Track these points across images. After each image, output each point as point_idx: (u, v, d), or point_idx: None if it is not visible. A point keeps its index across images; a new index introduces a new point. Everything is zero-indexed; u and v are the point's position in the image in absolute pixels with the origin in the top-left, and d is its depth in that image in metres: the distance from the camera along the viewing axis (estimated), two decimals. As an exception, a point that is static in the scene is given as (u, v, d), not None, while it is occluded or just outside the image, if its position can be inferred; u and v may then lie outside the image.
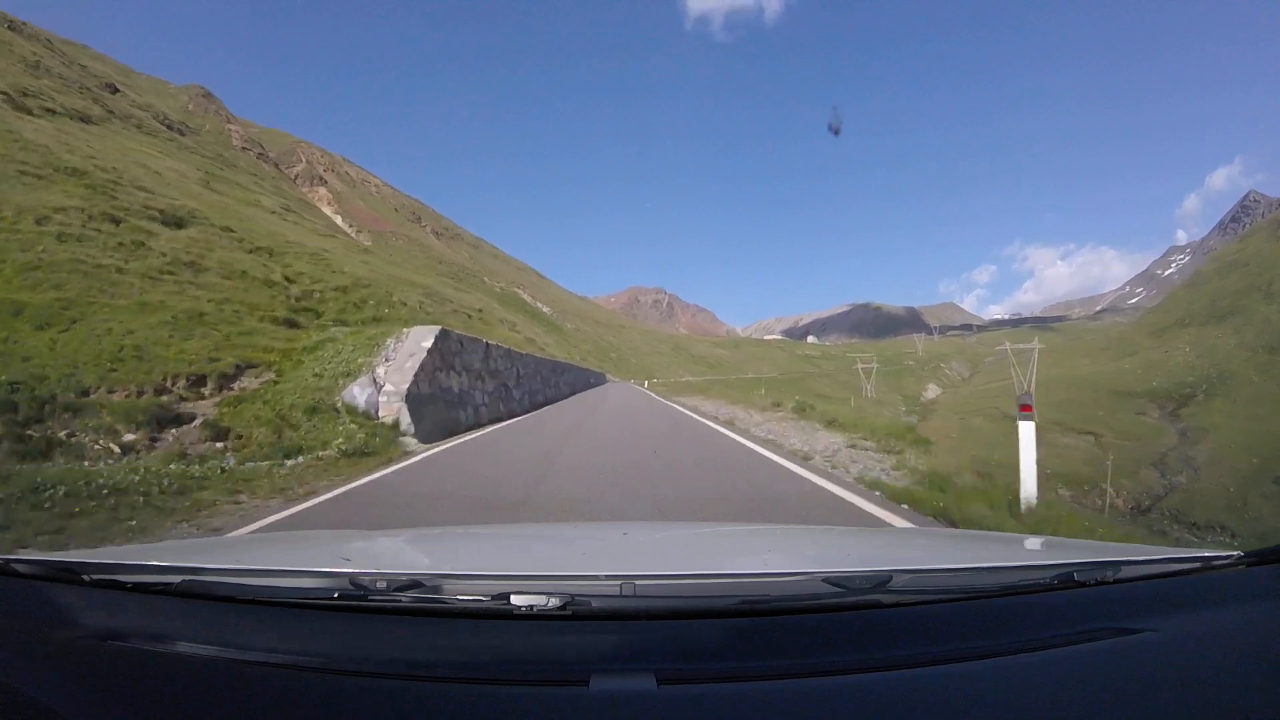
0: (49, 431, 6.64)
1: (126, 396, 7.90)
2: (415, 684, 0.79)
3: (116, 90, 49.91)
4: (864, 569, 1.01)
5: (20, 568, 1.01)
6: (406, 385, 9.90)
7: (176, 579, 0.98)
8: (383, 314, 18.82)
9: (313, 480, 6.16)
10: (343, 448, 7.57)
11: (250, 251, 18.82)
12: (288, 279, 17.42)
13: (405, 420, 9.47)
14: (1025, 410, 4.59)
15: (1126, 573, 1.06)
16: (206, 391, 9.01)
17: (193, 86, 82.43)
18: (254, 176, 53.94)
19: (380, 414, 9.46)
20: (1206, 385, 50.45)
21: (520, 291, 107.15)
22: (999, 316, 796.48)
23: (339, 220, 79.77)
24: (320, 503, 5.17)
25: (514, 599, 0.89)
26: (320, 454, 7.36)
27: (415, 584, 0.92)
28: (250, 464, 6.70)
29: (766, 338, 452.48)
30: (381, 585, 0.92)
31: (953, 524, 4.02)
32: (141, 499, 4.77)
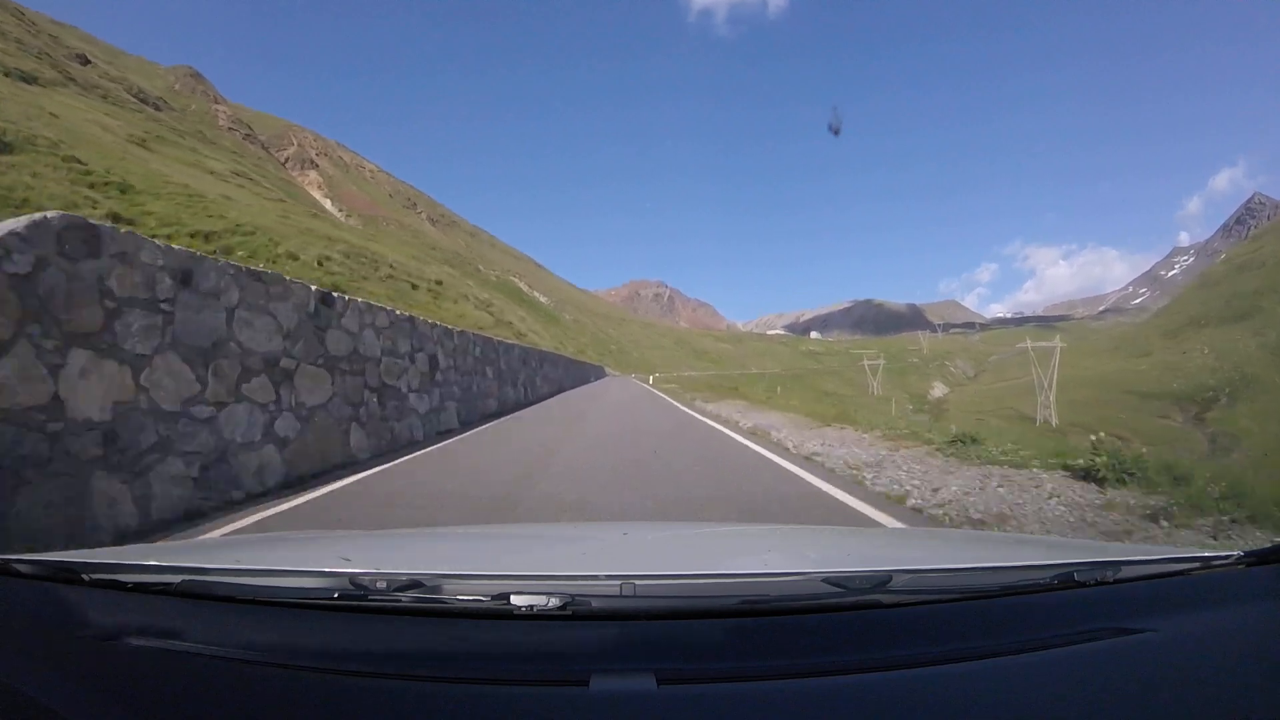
0: None
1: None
2: (415, 684, 0.80)
3: (89, 63, 47.54)
4: (864, 569, 1.01)
5: (20, 568, 1.01)
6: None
7: (177, 579, 0.99)
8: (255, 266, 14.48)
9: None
10: None
11: (92, 186, 16.05)
12: (117, 216, 14.05)
13: None
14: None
15: (1126, 573, 1.06)
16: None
17: (181, 67, 79.97)
18: (234, 154, 51.42)
19: None
20: (1229, 388, 48.55)
21: (517, 280, 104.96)
22: (1001, 315, 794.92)
23: (328, 204, 77.43)
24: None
25: (514, 599, 0.89)
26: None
27: (415, 584, 0.92)
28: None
29: (769, 333, 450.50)
30: (381, 585, 0.92)
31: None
32: None
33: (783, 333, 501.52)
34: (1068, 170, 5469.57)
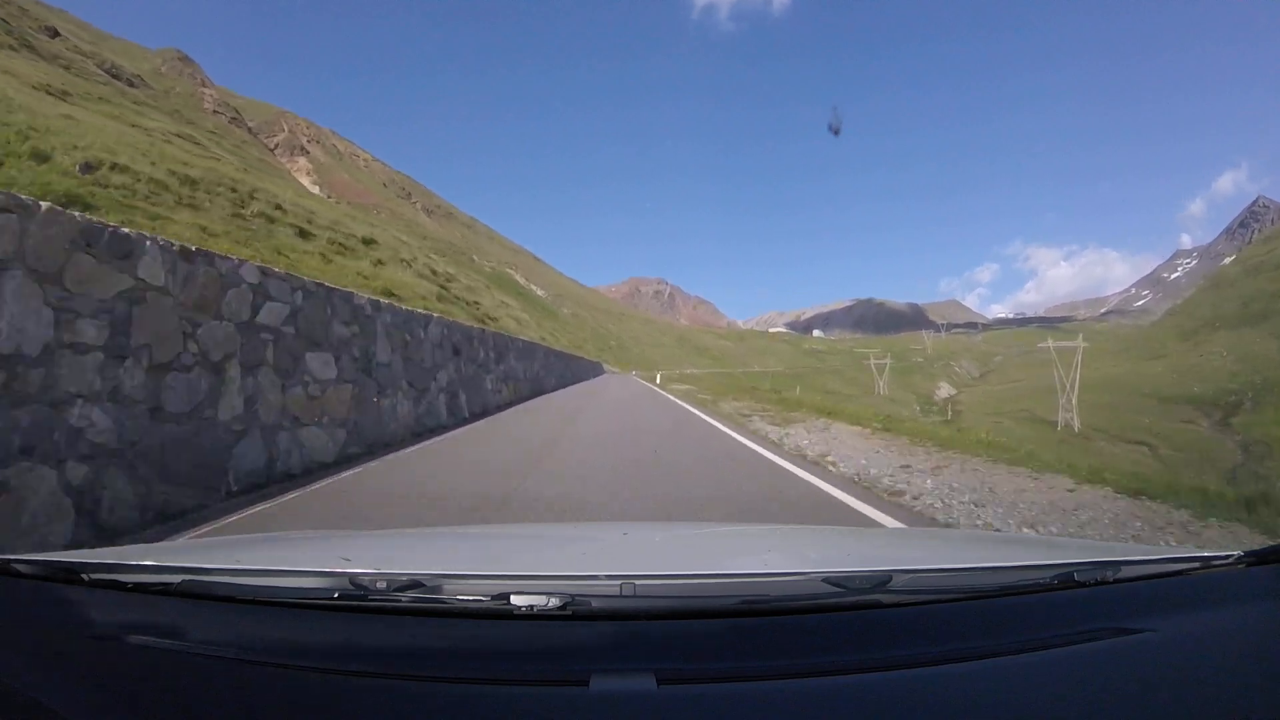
0: None
1: None
2: (415, 684, 0.80)
3: (58, 35, 45.21)
4: (864, 569, 1.01)
5: (20, 568, 1.02)
6: None
7: (177, 579, 0.99)
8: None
9: None
10: None
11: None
12: None
13: None
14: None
15: (1126, 573, 1.06)
16: None
17: (169, 50, 77.60)
18: (214, 135, 49.20)
19: None
20: (1253, 392, 46.58)
21: (513, 273, 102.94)
22: (1003, 315, 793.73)
23: (315, 190, 75.15)
24: None
25: (514, 599, 0.89)
26: None
27: (415, 584, 0.92)
28: None
29: (771, 330, 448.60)
30: (381, 585, 0.92)
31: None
32: None
33: (784, 331, 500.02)
34: (1069, 170, 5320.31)
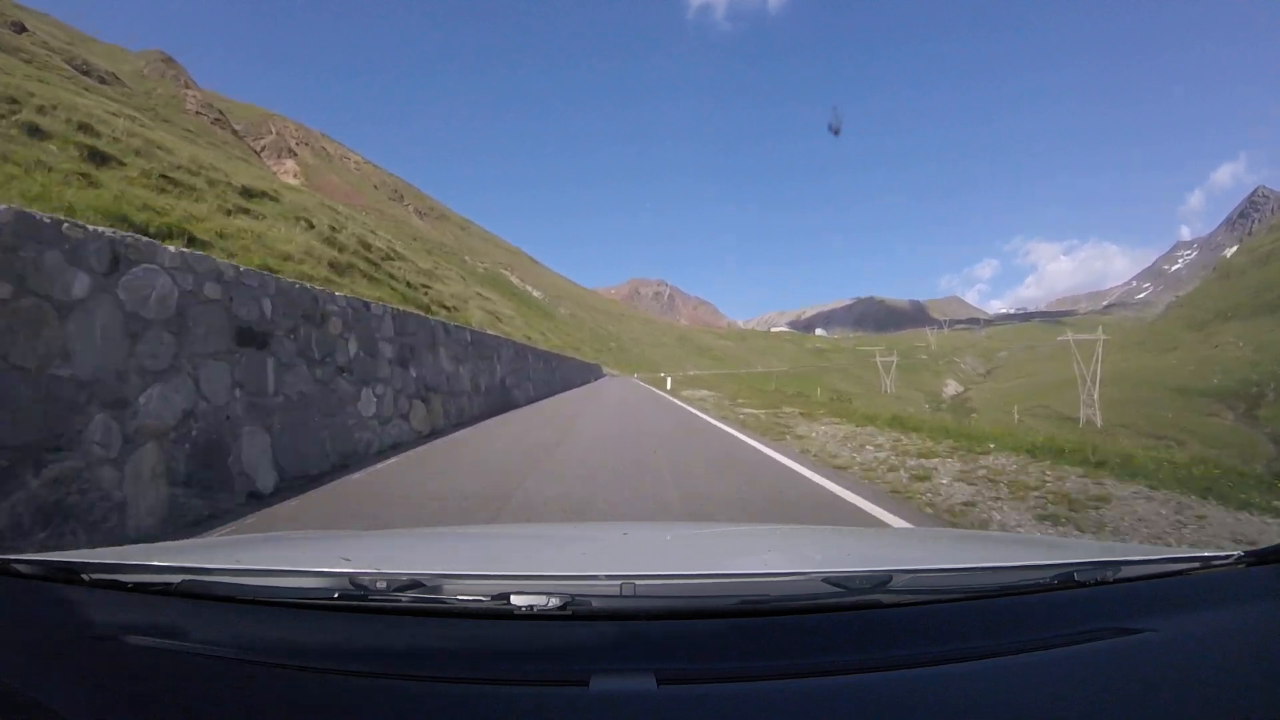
0: None
1: None
2: (415, 684, 0.81)
3: (25, 30, 43.57)
4: (864, 569, 1.02)
5: (20, 568, 1.02)
6: None
7: (177, 579, 0.99)
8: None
9: None
10: None
11: None
12: None
13: None
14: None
15: (1126, 573, 1.07)
16: None
17: (151, 51, 75.93)
18: (189, 133, 47.50)
19: None
20: (1275, 383, 44.81)
21: (507, 273, 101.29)
22: (1004, 311, 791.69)
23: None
24: None
25: (514, 599, 0.90)
26: None
27: (415, 584, 0.93)
28: None
29: (773, 330, 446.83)
30: (381, 585, 0.93)
31: None
32: None
33: (787, 330, 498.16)
34: (1068, 165, 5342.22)
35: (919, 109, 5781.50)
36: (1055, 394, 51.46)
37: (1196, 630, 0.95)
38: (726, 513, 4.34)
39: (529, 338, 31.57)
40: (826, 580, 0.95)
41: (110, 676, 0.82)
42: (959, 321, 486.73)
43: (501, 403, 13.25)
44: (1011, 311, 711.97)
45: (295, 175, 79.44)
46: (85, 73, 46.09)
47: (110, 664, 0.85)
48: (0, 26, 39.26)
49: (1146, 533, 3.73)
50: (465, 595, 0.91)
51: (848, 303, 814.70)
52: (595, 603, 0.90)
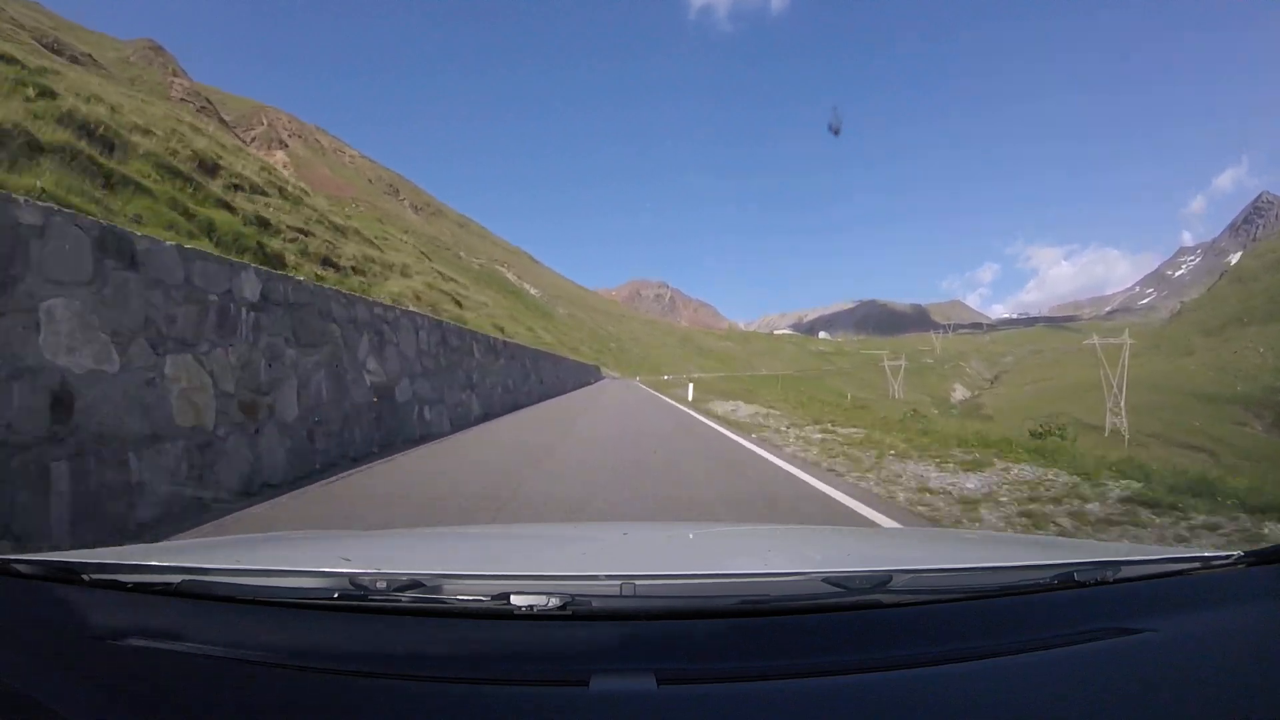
0: None
1: None
2: (415, 684, 0.81)
3: (-4, 8, 41.54)
4: (864, 569, 1.02)
5: (20, 568, 1.02)
6: None
7: (177, 579, 0.99)
8: None
9: None
10: None
11: None
12: None
13: None
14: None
15: (1127, 573, 1.07)
16: None
17: (140, 40, 73.81)
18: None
19: None
20: (1303, 391, 42.76)
21: (504, 270, 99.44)
22: (1005, 315, 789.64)
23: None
24: None
25: (514, 599, 0.90)
26: None
27: (415, 584, 0.93)
28: None
29: (775, 332, 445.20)
30: (381, 585, 0.93)
31: None
32: None
33: (790, 332, 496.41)
34: (1070, 170, 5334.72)
35: (919, 109, 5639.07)
36: (1072, 400, 49.74)
37: (1197, 630, 0.95)
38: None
39: (500, 328, 27.40)
40: (826, 580, 0.95)
41: (110, 677, 0.82)
42: (962, 325, 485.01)
43: (485, 409, 10.49)
44: (1014, 316, 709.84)
45: (285, 166, 77.52)
46: (56, 52, 44.00)
47: (110, 664, 0.85)
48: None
49: None
50: (465, 595, 0.91)
51: (850, 305, 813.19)
52: (595, 603, 0.90)
